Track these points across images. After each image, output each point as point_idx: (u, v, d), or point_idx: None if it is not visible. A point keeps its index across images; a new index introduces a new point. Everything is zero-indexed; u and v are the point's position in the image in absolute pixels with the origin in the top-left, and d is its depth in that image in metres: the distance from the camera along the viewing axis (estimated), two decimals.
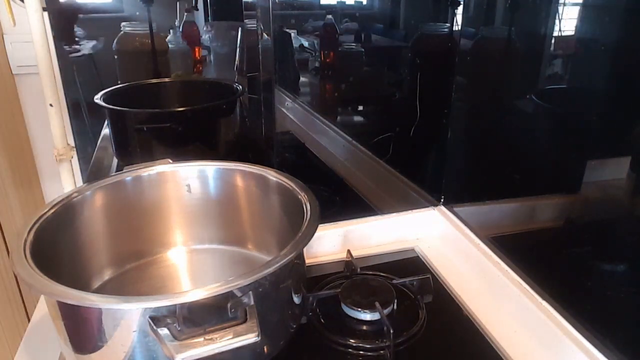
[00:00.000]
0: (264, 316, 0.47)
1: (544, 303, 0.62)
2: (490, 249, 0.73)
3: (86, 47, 0.94)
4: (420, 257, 0.80)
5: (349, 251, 0.76)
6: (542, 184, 0.69)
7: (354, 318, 0.64)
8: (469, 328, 0.64)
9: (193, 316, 0.44)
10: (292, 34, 1.34)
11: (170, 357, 0.41)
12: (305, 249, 0.54)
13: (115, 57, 0.97)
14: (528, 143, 0.72)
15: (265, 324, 0.46)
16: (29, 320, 0.66)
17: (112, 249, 0.66)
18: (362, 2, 1.32)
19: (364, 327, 0.63)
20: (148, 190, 0.69)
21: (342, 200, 1.01)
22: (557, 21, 0.65)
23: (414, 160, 1.00)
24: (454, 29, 0.83)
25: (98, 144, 0.98)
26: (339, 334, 0.62)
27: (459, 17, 0.80)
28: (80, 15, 0.92)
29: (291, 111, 1.41)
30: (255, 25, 1.02)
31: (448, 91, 0.81)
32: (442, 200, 0.87)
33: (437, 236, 0.85)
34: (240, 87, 1.06)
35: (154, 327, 0.42)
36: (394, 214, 0.85)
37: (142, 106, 0.94)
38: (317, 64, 1.32)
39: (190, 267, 0.71)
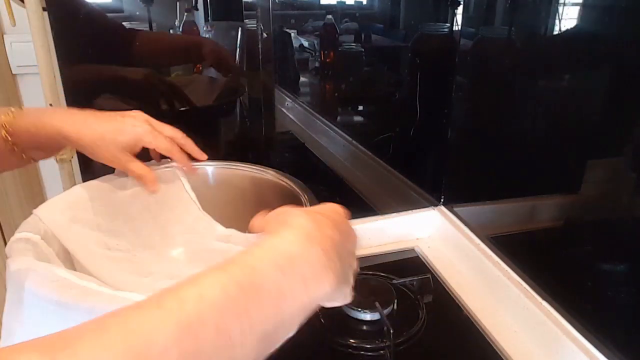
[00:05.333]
0: None
1: (544, 303, 0.61)
2: (490, 249, 0.73)
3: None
4: (420, 257, 0.80)
5: None
6: (542, 184, 0.69)
7: (354, 318, 0.64)
8: (469, 328, 0.64)
9: None
10: (292, 34, 1.35)
11: None
12: None
13: None
14: (528, 143, 0.72)
15: None
16: None
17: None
18: (362, 2, 1.32)
19: (364, 327, 0.63)
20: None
21: (342, 200, 1.01)
22: (557, 21, 0.65)
23: (414, 160, 1.00)
24: (454, 29, 0.83)
25: None
26: (339, 334, 0.62)
27: (459, 17, 0.80)
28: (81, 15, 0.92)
29: (291, 111, 1.41)
30: (255, 25, 1.02)
31: (448, 91, 0.81)
32: (442, 200, 0.87)
33: (437, 236, 0.85)
34: (241, 87, 1.06)
35: None
36: (394, 214, 0.85)
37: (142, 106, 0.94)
38: (317, 64, 1.32)
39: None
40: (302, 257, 0.31)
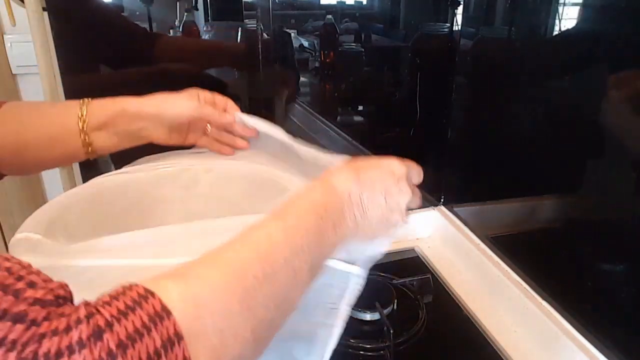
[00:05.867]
0: None
1: (544, 303, 0.62)
2: (490, 249, 0.73)
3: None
4: (420, 257, 0.80)
5: None
6: (542, 184, 0.69)
7: (354, 318, 0.64)
8: (469, 328, 0.64)
9: None
10: (292, 34, 1.34)
11: None
12: None
13: None
14: (528, 143, 0.72)
15: None
16: None
17: None
18: (362, 2, 1.32)
19: (364, 327, 0.63)
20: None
21: None
22: (557, 21, 0.65)
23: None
24: (454, 29, 0.83)
25: None
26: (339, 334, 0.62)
27: (459, 17, 0.80)
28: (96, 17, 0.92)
29: (291, 111, 1.41)
30: (255, 25, 1.02)
31: (448, 91, 0.81)
32: (442, 200, 0.87)
33: (437, 236, 0.85)
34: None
35: None
36: None
37: None
38: (317, 64, 1.32)
39: None
40: (333, 206, 0.39)
